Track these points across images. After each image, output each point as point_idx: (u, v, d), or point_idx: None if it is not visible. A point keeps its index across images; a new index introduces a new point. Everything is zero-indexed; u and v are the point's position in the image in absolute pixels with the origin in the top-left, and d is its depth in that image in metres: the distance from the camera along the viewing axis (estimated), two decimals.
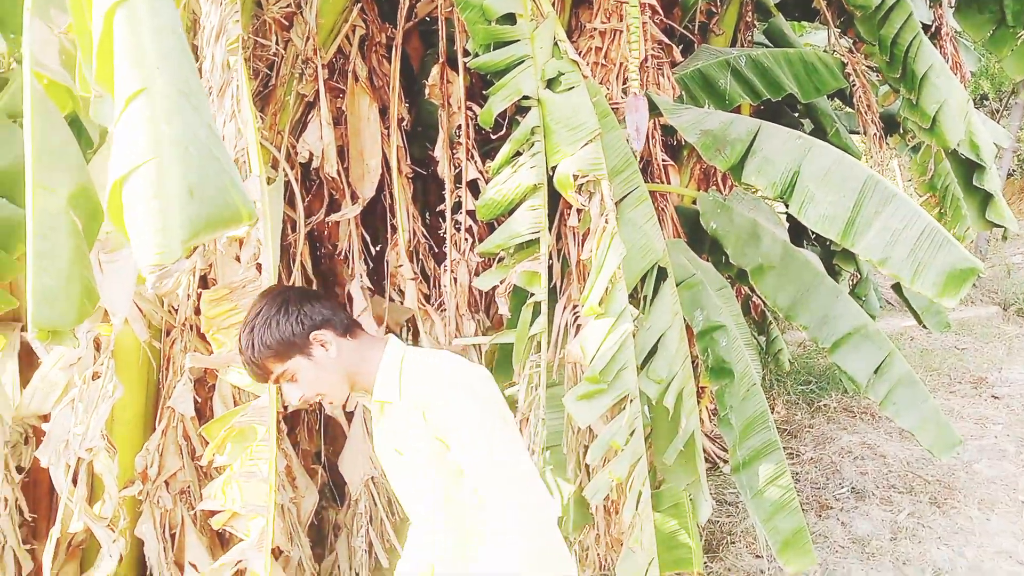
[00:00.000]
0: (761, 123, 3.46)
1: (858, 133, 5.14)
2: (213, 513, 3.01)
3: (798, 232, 5.11)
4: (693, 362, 3.46)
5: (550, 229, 3.08)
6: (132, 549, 3.13)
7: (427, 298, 3.71)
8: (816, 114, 5.02)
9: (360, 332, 2.11)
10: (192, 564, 3.11)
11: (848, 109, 6.14)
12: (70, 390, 2.86)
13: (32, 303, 2.05)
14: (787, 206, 3.34)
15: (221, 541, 3.31)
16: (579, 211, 3.01)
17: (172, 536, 3.15)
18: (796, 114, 5.44)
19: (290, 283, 3.53)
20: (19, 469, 3.12)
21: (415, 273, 3.64)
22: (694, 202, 3.88)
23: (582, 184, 2.92)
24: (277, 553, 3.04)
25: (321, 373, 2.02)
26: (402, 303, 3.87)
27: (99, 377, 2.71)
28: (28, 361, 3.04)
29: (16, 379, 2.98)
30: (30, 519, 3.15)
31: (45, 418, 3.09)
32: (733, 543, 4.63)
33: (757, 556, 4.51)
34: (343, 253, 3.80)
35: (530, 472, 1.92)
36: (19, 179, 2.32)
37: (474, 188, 3.49)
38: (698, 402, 3.51)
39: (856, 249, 3.16)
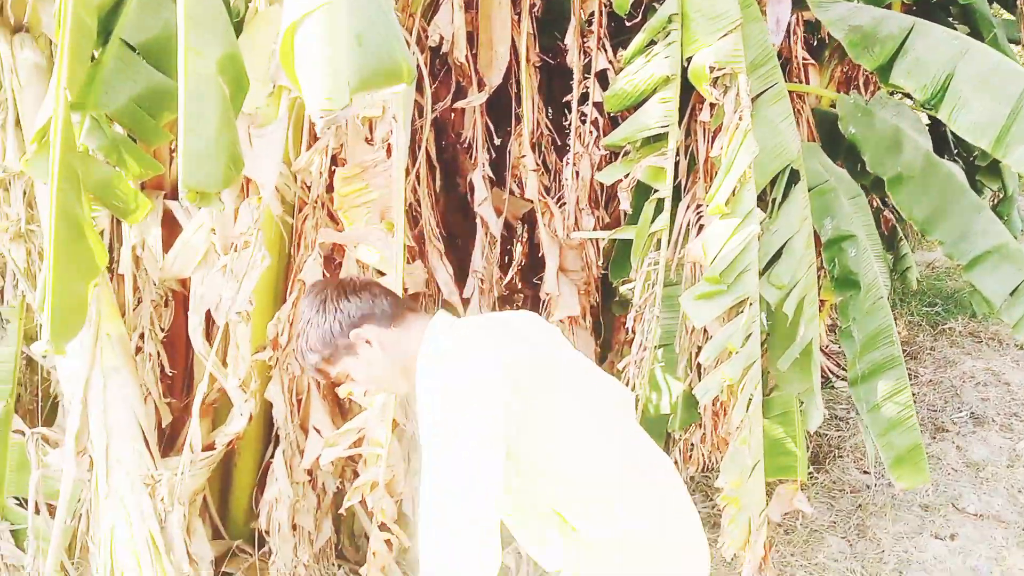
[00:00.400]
0: (915, 20, 3.24)
1: (1018, 43, 4.75)
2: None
3: (940, 145, 4.82)
4: (818, 272, 3.36)
5: (680, 123, 3.00)
6: (261, 411, 3.33)
7: (547, 190, 3.70)
8: (973, 17, 4.64)
9: (406, 316, 1.96)
10: (316, 429, 3.30)
11: (1009, 15, 5.68)
12: (210, 256, 3.02)
13: (182, 164, 2.15)
14: (935, 111, 3.15)
15: (342, 410, 3.49)
16: (712, 106, 2.92)
17: (299, 401, 3.34)
18: (950, 17, 5.05)
19: (415, 169, 3.58)
20: (161, 329, 3.34)
21: (537, 165, 3.63)
22: (832, 105, 3.70)
23: (718, 77, 2.81)
24: (395, 425, 3.19)
25: (372, 370, 1.93)
26: (522, 195, 3.88)
27: (249, 246, 2.85)
28: (171, 227, 3.21)
29: (159, 243, 3.16)
30: (170, 375, 3.39)
31: (182, 282, 3.30)
32: (840, 457, 4.58)
33: (864, 472, 4.45)
34: (466, 142, 3.81)
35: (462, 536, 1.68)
36: (167, 47, 2.41)
37: (603, 79, 3.41)
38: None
39: (1008, 160, 2.97)
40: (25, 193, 3.11)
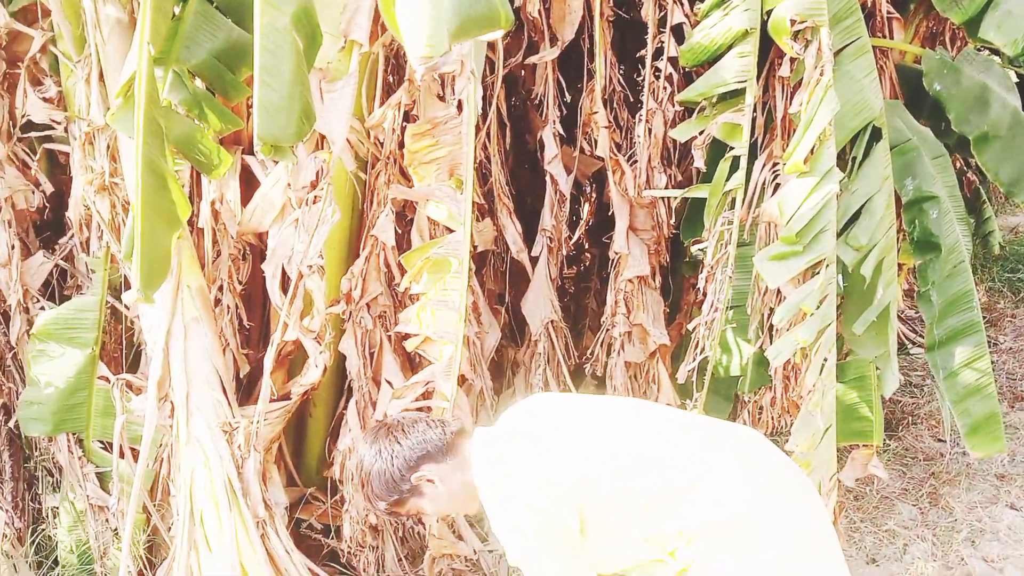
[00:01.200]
0: None
1: None
2: (407, 336, 3.23)
3: None
4: (897, 234, 3.27)
5: (757, 79, 2.93)
6: (334, 363, 3.41)
7: (618, 148, 3.66)
8: None
9: (457, 443, 2.04)
10: (388, 381, 3.36)
11: None
12: (287, 210, 3.07)
13: (257, 117, 2.19)
14: None
15: (411, 364, 3.55)
16: (792, 60, 2.84)
17: (371, 354, 3.40)
18: None
19: (485, 126, 3.57)
20: (239, 282, 3.42)
21: (609, 121, 3.59)
22: (917, 61, 3.56)
23: (799, 31, 2.73)
24: (461, 380, 3.23)
25: (441, 504, 2.04)
26: (592, 153, 3.85)
27: (320, 201, 2.89)
28: (248, 182, 3.27)
29: (237, 197, 3.23)
30: (247, 327, 3.47)
31: (259, 236, 3.36)
32: (914, 424, 4.50)
33: (938, 439, 4.36)
34: (537, 98, 3.79)
35: None
36: (246, 2, 2.43)
37: (678, 34, 3.34)
38: None
39: None
40: (109, 147, 3.19)
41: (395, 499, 2.02)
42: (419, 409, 3.52)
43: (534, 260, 3.89)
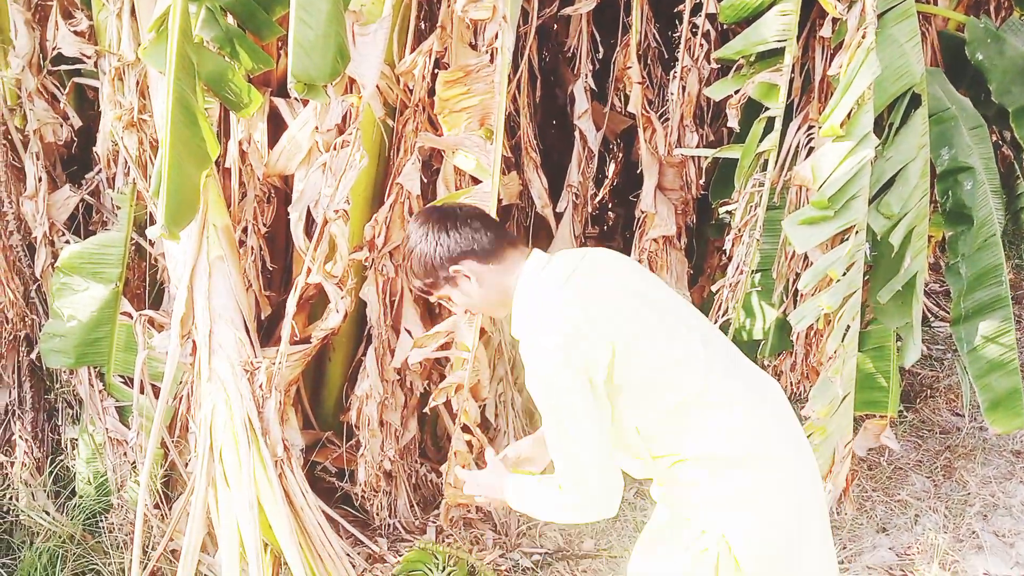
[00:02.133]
0: None
1: None
2: None
3: None
4: (930, 204, 3.23)
5: (797, 39, 2.87)
6: (355, 310, 3.41)
7: (650, 104, 3.61)
8: None
9: (505, 253, 1.99)
10: (407, 330, 3.37)
11: None
12: (313, 154, 3.06)
13: (292, 54, 2.17)
14: None
15: (432, 314, 3.55)
16: (834, 21, 2.78)
17: (392, 302, 3.41)
18: None
19: (516, 77, 3.53)
20: (264, 224, 3.42)
21: (643, 77, 3.53)
22: (960, 29, 3.48)
23: None
24: (481, 333, 3.23)
25: (471, 299, 2.02)
26: (623, 110, 3.80)
27: (347, 146, 2.87)
28: (275, 124, 3.25)
29: (265, 139, 3.21)
30: (270, 269, 3.48)
31: (284, 179, 3.35)
32: (932, 397, 4.48)
33: (956, 414, 4.34)
34: (570, 51, 3.74)
35: (588, 463, 1.86)
36: None
37: None
38: None
39: None
40: (138, 83, 3.18)
41: (430, 282, 2.03)
42: (437, 362, 3.55)
43: (558, 216, 3.87)
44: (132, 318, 3.43)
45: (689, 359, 1.91)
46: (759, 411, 1.95)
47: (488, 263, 1.97)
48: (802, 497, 1.94)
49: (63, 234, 3.63)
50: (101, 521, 3.49)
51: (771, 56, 2.86)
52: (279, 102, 3.25)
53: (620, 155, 4.71)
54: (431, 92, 3.11)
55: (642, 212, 3.62)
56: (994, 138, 4.54)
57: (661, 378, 1.88)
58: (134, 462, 3.55)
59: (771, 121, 2.92)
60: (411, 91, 3.22)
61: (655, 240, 3.61)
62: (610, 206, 4.88)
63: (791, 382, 3.43)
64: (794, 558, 1.92)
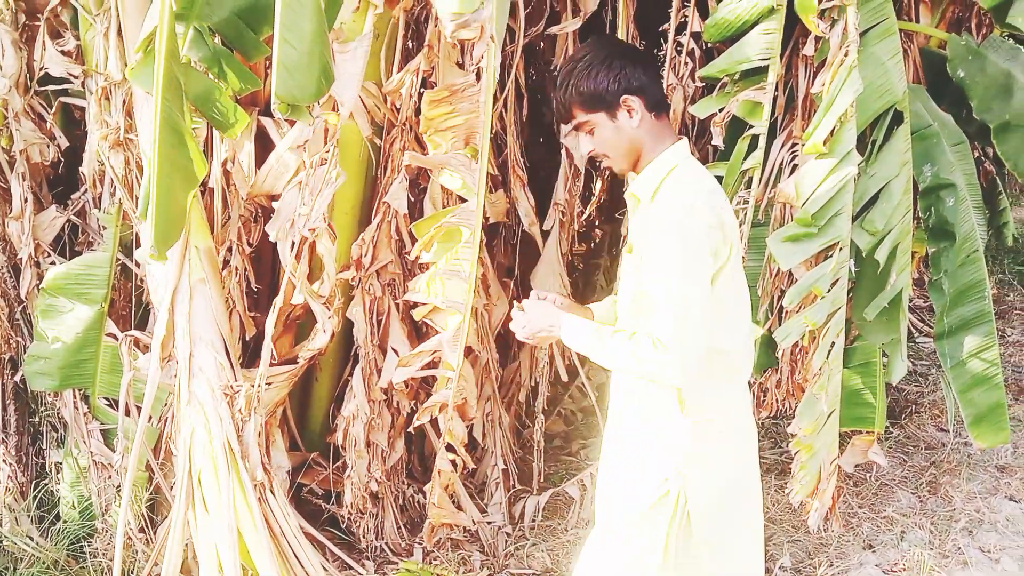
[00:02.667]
0: None
1: None
2: (415, 305, 3.22)
3: None
4: (914, 220, 3.26)
5: (781, 57, 2.91)
6: (342, 329, 3.40)
7: None
8: None
9: (664, 116, 2.02)
10: (394, 349, 3.37)
11: None
12: (300, 173, 3.05)
13: (276, 75, 2.17)
14: None
15: (418, 333, 3.55)
16: (817, 39, 2.81)
17: (378, 322, 3.40)
18: None
19: (503, 96, 3.55)
20: (248, 243, 3.41)
21: None
22: (942, 46, 3.53)
23: (826, 9, 2.71)
24: (468, 352, 3.23)
25: (617, 137, 1.96)
26: None
27: (325, 163, 2.87)
28: (262, 144, 3.25)
29: (252, 159, 3.21)
30: (255, 290, 3.47)
31: (271, 199, 3.35)
32: (917, 413, 4.50)
33: (941, 429, 4.37)
34: (556, 70, 3.76)
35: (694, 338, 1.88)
36: None
37: (702, 8, 3.31)
38: None
39: None
40: (125, 102, 3.17)
41: (591, 102, 1.95)
42: (424, 381, 3.54)
43: (545, 234, 3.88)
44: (118, 339, 3.40)
45: (746, 314, 2.07)
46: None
47: (651, 112, 1.97)
48: (753, 459, 2.13)
49: (48, 255, 3.61)
50: (86, 546, 3.44)
51: (755, 74, 2.89)
52: (267, 122, 3.24)
53: (607, 172, 4.73)
54: (418, 111, 3.12)
55: (627, 230, 3.62)
56: (976, 154, 4.59)
57: (732, 313, 2.00)
58: (119, 486, 3.51)
59: (755, 139, 2.95)
60: (398, 110, 3.24)
61: None
62: (597, 223, 4.90)
63: (777, 399, 3.44)
64: (736, 516, 2.07)
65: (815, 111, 2.78)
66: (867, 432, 3.42)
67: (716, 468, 2.01)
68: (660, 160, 1.98)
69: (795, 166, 2.99)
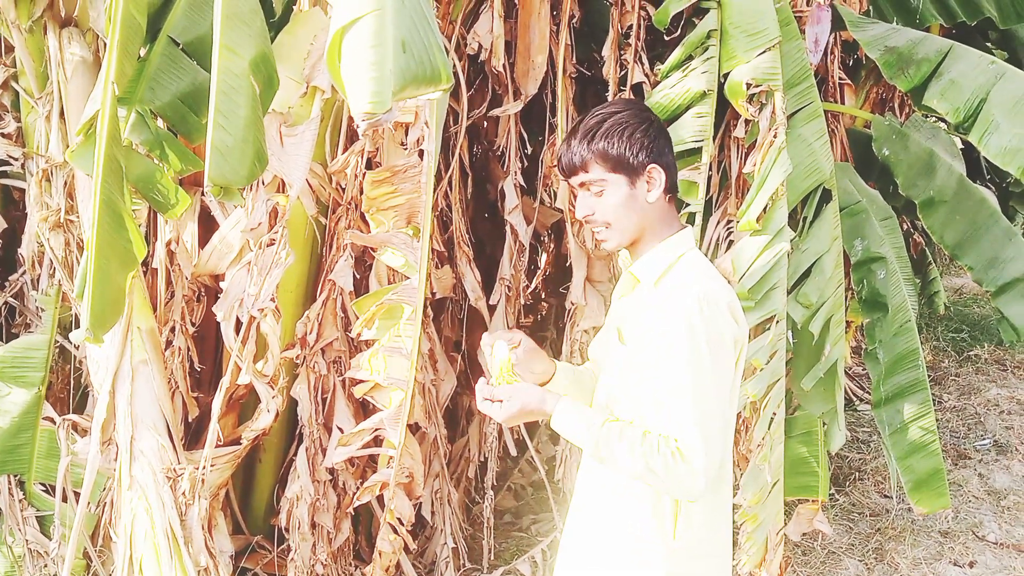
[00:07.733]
0: (952, 44, 3.24)
1: None
2: (359, 382, 3.21)
3: (974, 170, 4.80)
4: (845, 292, 3.36)
5: (713, 139, 3.02)
6: (286, 408, 3.37)
7: None
8: (1012, 44, 4.64)
9: (674, 201, 1.97)
10: (339, 427, 3.33)
11: None
12: (244, 253, 3.06)
13: (209, 158, 2.19)
14: (966, 135, 3.15)
15: (364, 411, 3.52)
16: (747, 122, 2.93)
17: (323, 400, 3.37)
18: (989, 43, 5.03)
19: (448, 174, 3.61)
20: (192, 323, 3.38)
21: None
22: (867, 126, 3.70)
23: (754, 94, 2.83)
24: (414, 429, 3.21)
25: (628, 206, 1.87)
26: (552, 204, 3.90)
27: (273, 244, 2.88)
28: (206, 224, 3.25)
29: (195, 239, 3.20)
30: (198, 369, 3.43)
31: (215, 278, 3.34)
32: (861, 480, 4.56)
33: (884, 495, 4.43)
34: (499, 149, 3.85)
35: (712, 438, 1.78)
36: (212, 46, 2.45)
37: (638, 92, 3.43)
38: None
39: None
40: (66, 184, 3.17)
41: (616, 162, 1.85)
42: (371, 459, 3.50)
43: (492, 308, 3.91)
44: (55, 423, 3.33)
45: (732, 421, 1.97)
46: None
47: (667, 193, 1.92)
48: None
49: None
50: None
51: (690, 155, 2.99)
52: (211, 202, 3.25)
53: (551, 246, 4.81)
54: (363, 190, 3.16)
55: (572, 304, 3.68)
56: (905, 226, 4.77)
57: (730, 415, 1.90)
58: (55, 574, 3.39)
59: (692, 216, 3.03)
60: (343, 189, 3.27)
61: (586, 331, 3.67)
62: (543, 296, 4.95)
63: None
64: None
65: (748, 190, 2.88)
66: (812, 500, 3.46)
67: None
68: (668, 244, 1.91)
69: (731, 242, 3.08)
